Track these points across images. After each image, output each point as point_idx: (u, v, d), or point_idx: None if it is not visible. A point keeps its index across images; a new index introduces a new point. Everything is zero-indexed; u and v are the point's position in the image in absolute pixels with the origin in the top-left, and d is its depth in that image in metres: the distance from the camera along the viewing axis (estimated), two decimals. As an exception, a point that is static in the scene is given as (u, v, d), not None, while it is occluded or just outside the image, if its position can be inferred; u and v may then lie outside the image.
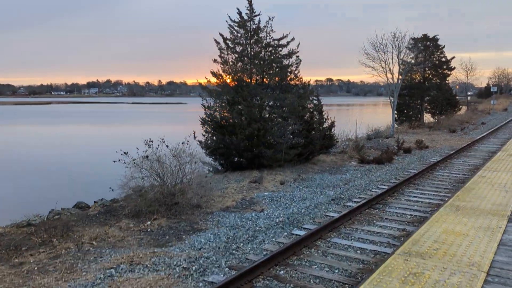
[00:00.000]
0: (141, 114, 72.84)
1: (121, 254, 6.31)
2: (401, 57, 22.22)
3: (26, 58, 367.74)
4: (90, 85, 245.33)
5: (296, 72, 14.66)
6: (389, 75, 22.54)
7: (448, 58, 30.38)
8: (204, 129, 13.87)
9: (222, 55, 14.21)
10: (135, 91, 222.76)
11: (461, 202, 8.16)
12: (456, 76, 53.25)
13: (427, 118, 34.47)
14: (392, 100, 22.96)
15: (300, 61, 14.74)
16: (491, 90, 54.13)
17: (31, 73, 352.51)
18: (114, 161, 8.72)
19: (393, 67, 22.51)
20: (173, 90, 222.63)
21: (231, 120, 13.22)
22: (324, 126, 17.22)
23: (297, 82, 14.92)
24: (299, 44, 14.69)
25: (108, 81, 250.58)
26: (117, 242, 7.02)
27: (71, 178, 17.63)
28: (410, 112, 30.70)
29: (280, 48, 14.66)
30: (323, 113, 17.30)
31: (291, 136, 14.35)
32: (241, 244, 6.78)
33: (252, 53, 14.08)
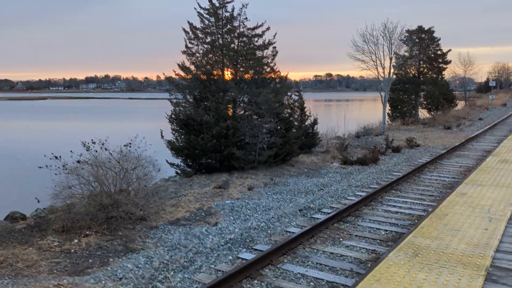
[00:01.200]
0: (131, 109, 71.65)
1: (18, 286, 5.11)
2: (392, 50, 20.90)
3: (25, 54, 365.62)
4: (88, 80, 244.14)
5: (272, 64, 13.40)
6: (379, 69, 21.25)
7: (444, 51, 29.07)
8: (172, 127, 12.67)
9: (191, 45, 12.95)
10: (133, 86, 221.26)
11: (424, 239, 5.80)
12: (454, 70, 52.07)
13: (423, 114, 33.21)
14: (383, 96, 21.68)
15: (277, 52, 13.49)
16: (490, 84, 52.73)
17: (30, 68, 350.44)
18: (41, 167, 7.49)
19: (384, 61, 21.23)
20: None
21: (197, 118, 11.98)
22: (306, 123, 16.04)
23: (274, 76, 13.68)
24: (275, 34, 13.45)
25: (107, 77, 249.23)
26: (25, 268, 5.82)
27: (25, 179, 16.31)
28: (404, 107, 29.45)
29: (256, 39, 13.41)
30: (305, 110, 16.11)
31: (267, 136, 13.14)
32: (172, 272, 5.57)
33: (223, 43, 12.82)
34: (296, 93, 15.95)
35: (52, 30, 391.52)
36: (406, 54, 28.40)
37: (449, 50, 29.31)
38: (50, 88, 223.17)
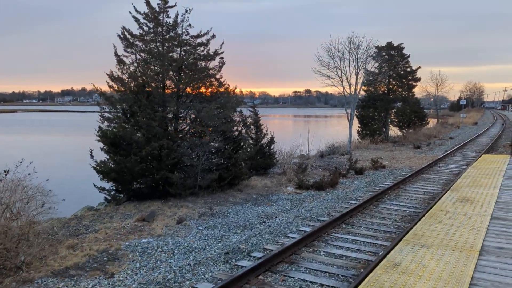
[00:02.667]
0: (92, 123, 68.91)
1: None
2: (358, 66, 19.85)
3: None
4: (64, 93, 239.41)
5: (218, 77, 11.99)
6: (345, 84, 20.14)
7: (414, 68, 28.41)
8: (102, 147, 11.01)
9: (127, 54, 11.43)
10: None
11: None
12: (426, 88, 52.09)
13: (394, 131, 32.41)
14: (349, 113, 20.53)
15: (224, 63, 12.11)
16: (461, 103, 52.92)
17: (3, 80, 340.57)
18: None
19: (350, 76, 20.15)
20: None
21: (126, 136, 10.38)
22: (262, 142, 14.64)
23: (221, 90, 12.26)
24: (223, 43, 12.09)
25: (83, 90, 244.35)
26: None
27: None
28: (375, 125, 28.49)
29: (202, 48, 12.01)
30: (262, 127, 14.72)
31: (210, 157, 11.63)
32: None
33: (163, 52, 11.34)
34: (251, 109, 14.58)
35: (28, 42, 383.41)
36: (376, 70, 27.60)
37: (419, 67, 28.71)
38: (24, 101, 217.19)
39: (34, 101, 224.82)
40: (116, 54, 10.84)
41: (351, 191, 12.05)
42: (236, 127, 12.61)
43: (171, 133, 10.68)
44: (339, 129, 49.14)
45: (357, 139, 28.36)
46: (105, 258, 6.75)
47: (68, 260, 6.55)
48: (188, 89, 11.82)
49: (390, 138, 28.08)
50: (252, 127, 14.44)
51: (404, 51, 28.28)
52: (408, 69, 28.33)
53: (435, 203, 8.45)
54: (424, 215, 7.52)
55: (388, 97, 27.68)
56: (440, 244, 5.83)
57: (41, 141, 40.17)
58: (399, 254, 5.48)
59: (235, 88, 12.35)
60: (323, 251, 6.91)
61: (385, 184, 12.73)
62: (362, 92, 27.24)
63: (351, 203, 10.37)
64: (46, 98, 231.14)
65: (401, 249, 5.68)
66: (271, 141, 14.63)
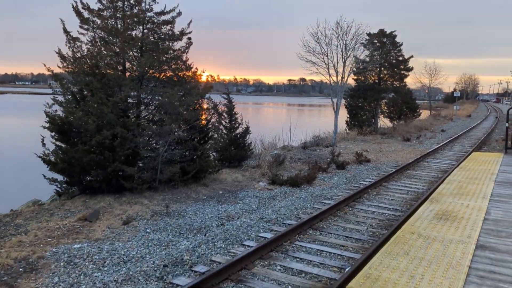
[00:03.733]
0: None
1: None
2: (345, 52, 18.67)
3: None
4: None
5: (184, 59, 10.82)
6: (332, 72, 18.98)
7: (406, 57, 27.22)
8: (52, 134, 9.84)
9: (82, 31, 10.20)
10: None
11: None
12: (420, 79, 51.04)
13: (384, 122, 31.41)
14: (335, 102, 19.43)
15: (191, 43, 10.93)
16: (454, 95, 51.95)
17: None
18: None
19: (337, 64, 18.98)
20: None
21: (76, 123, 9.23)
22: (236, 132, 13.54)
23: (188, 73, 11.10)
24: (190, 21, 10.90)
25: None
26: None
27: None
28: (364, 116, 27.44)
29: (168, 27, 10.81)
30: (236, 116, 13.61)
31: (173, 148, 10.53)
32: None
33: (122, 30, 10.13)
34: (225, 96, 13.43)
35: (23, 23, 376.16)
36: (367, 58, 26.46)
37: (411, 56, 27.53)
38: (16, 83, 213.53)
39: (26, 83, 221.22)
40: (65, 30, 9.59)
41: (328, 188, 11.03)
42: (204, 115, 11.49)
43: (128, 120, 9.52)
44: (331, 119, 48.08)
45: (346, 130, 27.36)
46: (21, 269, 5.68)
47: (-28, 272, 5.48)
48: (152, 72, 10.66)
49: (379, 130, 27.08)
50: (225, 115, 13.31)
51: (397, 39, 27.07)
52: (400, 58, 27.18)
53: (406, 219, 6.95)
54: (387, 240, 5.90)
55: (379, 87, 26.58)
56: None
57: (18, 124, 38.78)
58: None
59: (203, 72, 11.18)
60: (280, 265, 5.88)
61: (366, 181, 11.71)
62: (351, 81, 26.15)
63: (325, 203, 9.35)
64: (39, 80, 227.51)
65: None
66: (246, 131, 13.52)
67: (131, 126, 9.52)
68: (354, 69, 25.41)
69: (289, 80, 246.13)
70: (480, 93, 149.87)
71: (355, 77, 26.68)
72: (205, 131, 11.25)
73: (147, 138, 9.98)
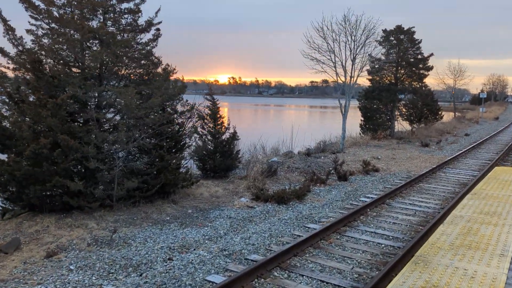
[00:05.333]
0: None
1: None
2: (355, 49, 16.78)
3: None
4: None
5: (152, 51, 9.28)
6: (339, 71, 17.12)
7: (426, 55, 24.97)
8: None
9: (33, 22, 8.80)
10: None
11: None
12: (443, 80, 48.19)
13: (403, 126, 29.14)
14: (344, 104, 17.55)
15: (160, 35, 9.38)
16: (480, 96, 48.81)
17: None
18: None
19: (346, 62, 17.12)
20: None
21: (12, 128, 7.80)
22: (222, 138, 11.92)
23: (156, 71, 9.55)
24: (159, 9, 9.37)
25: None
26: None
27: None
28: (380, 118, 25.32)
29: (130, 16, 9.30)
30: (222, 120, 11.99)
31: (132, 159, 8.99)
32: None
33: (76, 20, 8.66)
34: (208, 97, 11.83)
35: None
36: (383, 57, 24.40)
37: (431, 54, 25.19)
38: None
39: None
40: (3, 19, 8.17)
41: (320, 206, 9.25)
42: (177, 120, 9.91)
43: (74, 126, 8.01)
44: (348, 121, 45.77)
45: (360, 133, 25.33)
46: None
47: None
48: (117, 70, 9.17)
49: (395, 134, 24.95)
50: (209, 119, 11.70)
51: (415, 36, 24.86)
52: (419, 57, 24.93)
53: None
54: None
55: (395, 88, 24.42)
56: None
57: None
58: None
59: (174, 69, 9.59)
60: (214, 333, 4.20)
61: (368, 197, 9.87)
62: (364, 80, 24.13)
63: (308, 228, 7.59)
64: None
65: None
66: (233, 137, 11.86)
67: (79, 133, 8.02)
68: (368, 67, 23.46)
69: (311, 81, 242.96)
70: (510, 95, 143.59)
71: (370, 77, 24.64)
72: (176, 138, 9.66)
73: (100, 147, 8.45)
